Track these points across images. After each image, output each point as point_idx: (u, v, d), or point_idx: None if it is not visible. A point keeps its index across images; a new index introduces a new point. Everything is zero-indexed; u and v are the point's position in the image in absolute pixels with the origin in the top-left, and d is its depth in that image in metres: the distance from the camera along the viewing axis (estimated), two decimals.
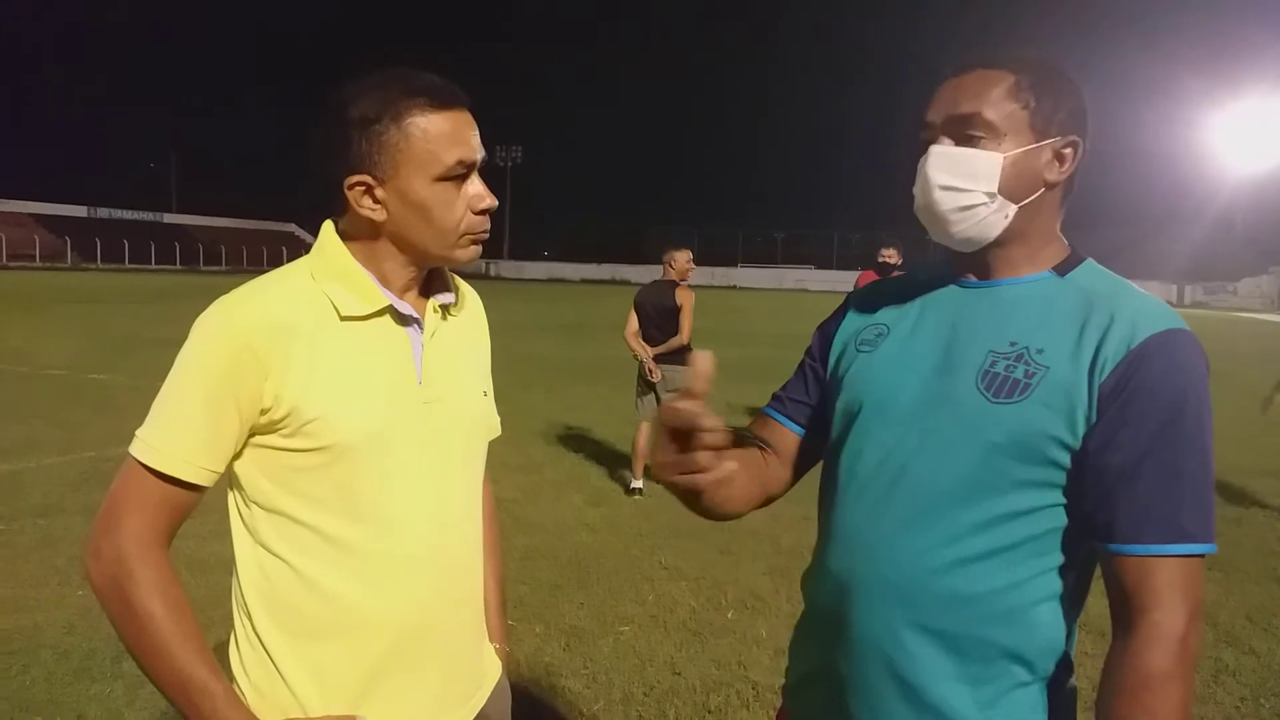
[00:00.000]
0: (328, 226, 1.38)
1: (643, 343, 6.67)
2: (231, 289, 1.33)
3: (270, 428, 1.28)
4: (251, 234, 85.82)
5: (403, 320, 1.36)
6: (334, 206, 1.35)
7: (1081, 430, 1.17)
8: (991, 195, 1.23)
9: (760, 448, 1.49)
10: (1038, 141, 1.24)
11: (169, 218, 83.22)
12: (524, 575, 4.92)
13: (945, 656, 1.22)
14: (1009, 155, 1.23)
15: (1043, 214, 1.28)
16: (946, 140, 1.25)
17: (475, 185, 1.34)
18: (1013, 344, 1.22)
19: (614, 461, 7.65)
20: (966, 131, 1.24)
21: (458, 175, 1.31)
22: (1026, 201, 1.25)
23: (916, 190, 1.28)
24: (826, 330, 1.48)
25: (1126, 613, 1.15)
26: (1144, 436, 1.14)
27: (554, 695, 3.65)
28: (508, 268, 77.52)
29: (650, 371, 6.57)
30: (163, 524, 1.29)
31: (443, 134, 1.29)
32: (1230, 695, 3.76)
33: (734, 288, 62.49)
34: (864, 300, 1.45)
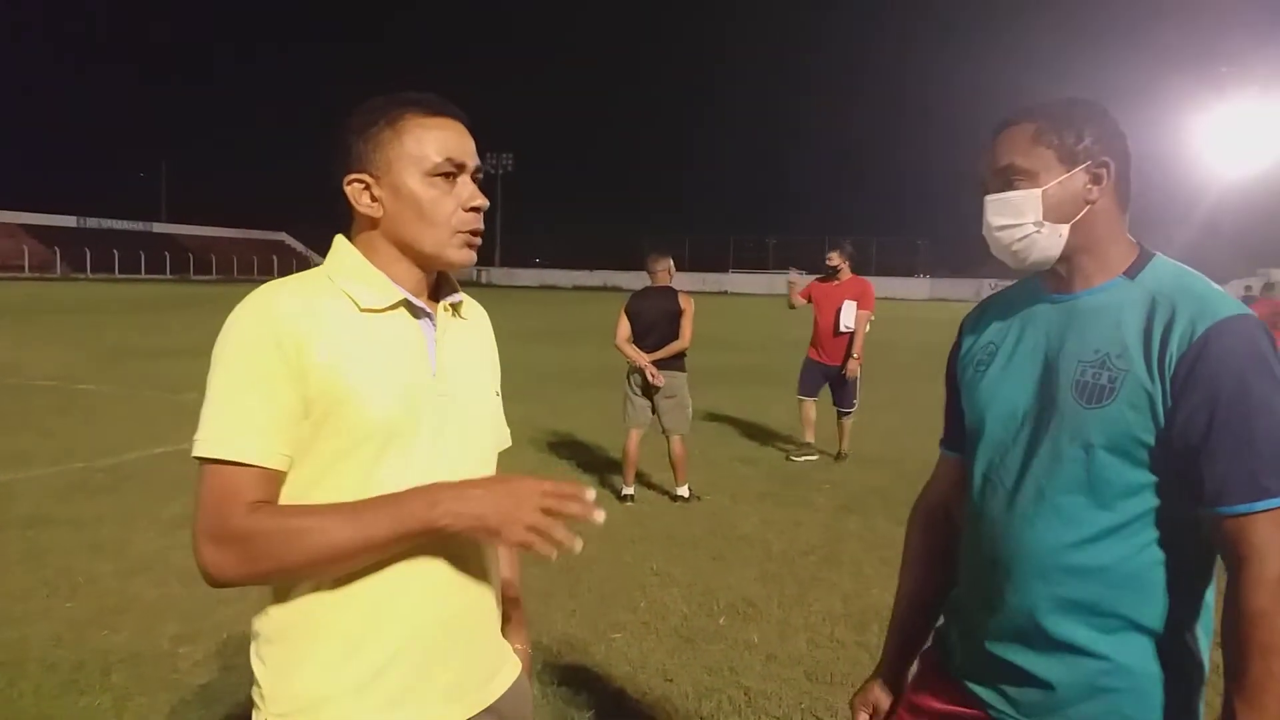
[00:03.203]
0: (339, 237, 1.46)
1: (638, 349, 6.69)
2: (223, 297, 1.36)
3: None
4: (242, 243, 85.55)
5: (416, 314, 1.44)
6: (343, 218, 1.46)
7: (1163, 418, 1.37)
8: (1039, 223, 1.47)
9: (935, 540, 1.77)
10: (1069, 171, 1.46)
11: (159, 227, 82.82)
12: None
13: (1079, 621, 1.44)
14: (1046, 188, 1.47)
15: (1098, 226, 1.48)
16: (995, 190, 1.51)
17: (467, 186, 1.42)
18: (1096, 352, 1.44)
19: (605, 468, 7.65)
20: (1008, 179, 1.49)
21: (447, 173, 1.40)
22: (1075, 220, 1.47)
23: (985, 234, 1.54)
24: (951, 359, 1.73)
25: (1231, 566, 1.35)
26: (1215, 414, 1.33)
27: (545, 704, 3.63)
28: (499, 274, 77.43)
29: (654, 376, 6.58)
30: (247, 502, 1.30)
31: (433, 135, 1.40)
32: None
33: (725, 293, 62.47)
34: (974, 323, 1.70)
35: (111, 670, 3.75)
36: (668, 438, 6.73)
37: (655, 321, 6.69)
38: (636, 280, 6.90)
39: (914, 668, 1.77)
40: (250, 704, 1.42)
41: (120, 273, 67.22)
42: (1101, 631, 1.43)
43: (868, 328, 8.21)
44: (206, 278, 69.49)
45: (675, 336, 6.66)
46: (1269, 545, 1.31)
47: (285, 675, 1.37)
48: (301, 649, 1.36)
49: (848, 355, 8.05)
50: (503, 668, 1.57)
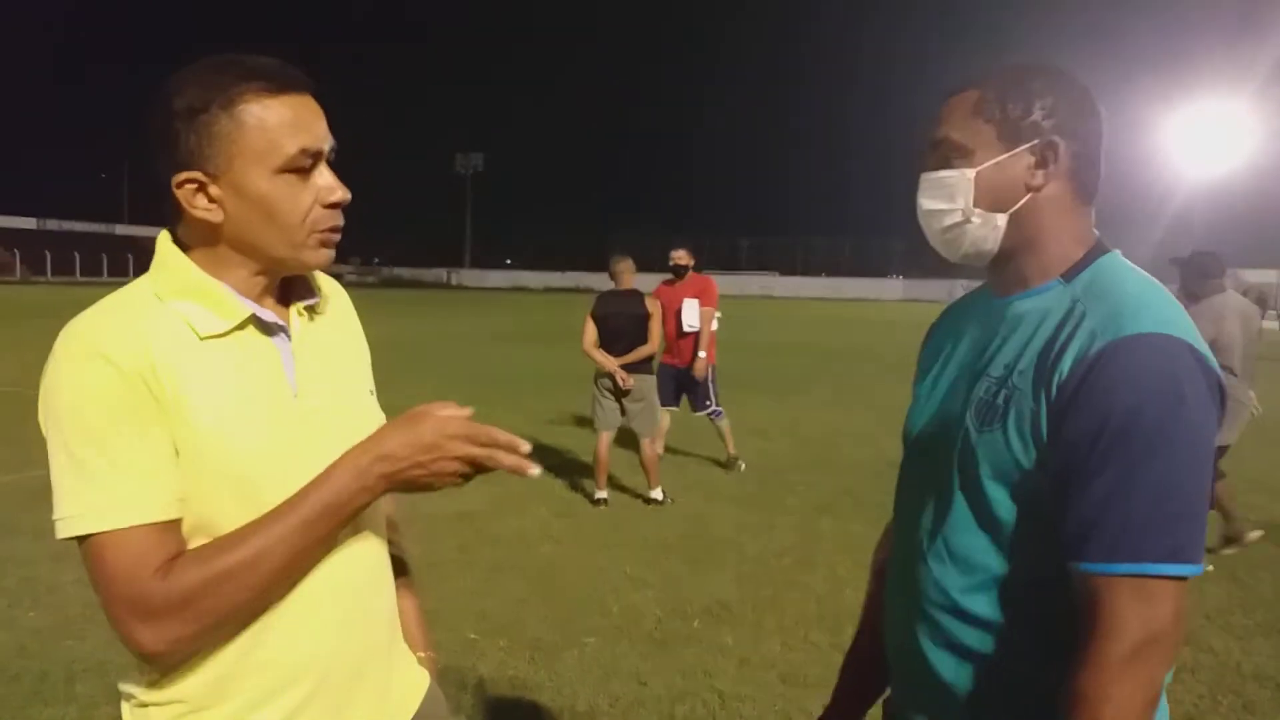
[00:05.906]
0: (164, 238, 1.24)
1: (606, 354, 6.67)
2: None
3: None
4: None
5: (267, 330, 1.24)
6: (167, 213, 1.22)
7: (1043, 448, 1.15)
8: (969, 210, 1.26)
9: None
10: (1008, 151, 1.24)
11: (121, 229, 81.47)
12: (489, 589, 4.88)
13: (969, 671, 1.25)
14: (980, 169, 1.24)
15: (1043, 218, 1.25)
16: (930, 168, 1.30)
17: (325, 177, 1.22)
18: (1005, 367, 1.22)
19: (579, 472, 7.63)
20: (944, 155, 1.28)
21: (301, 167, 1.19)
22: (1015, 209, 1.25)
23: (919, 218, 1.33)
24: (915, 382, 1.50)
25: (1083, 629, 1.10)
26: (1091, 451, 1.09)
27: (518, 710, 3.62)
28: (469, 276, 77.07)
29: (624, 381, 6.57)
30: (157, 564, 1.12)
31: (282, 121, 1.17)
32: (1190, 693, 3.82)
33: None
34: (930, 334, 1.50)
35: (76, 680, 3.69)
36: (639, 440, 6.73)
37: (625, 328, 6.66)
38: (608, 282, 6.88)
39: None
40: None
41: (82, 275, 66.05)
42: (996, 687, 1.23)
43: (715, 325, 7.90)
44: None
45: (645, 340, 6.67)
46: (1124, 618, 1.06)
47: None
48: (201, 705, 1.19)
49: (694, 355, 7.72)
50: (413, 685, 1.44)
